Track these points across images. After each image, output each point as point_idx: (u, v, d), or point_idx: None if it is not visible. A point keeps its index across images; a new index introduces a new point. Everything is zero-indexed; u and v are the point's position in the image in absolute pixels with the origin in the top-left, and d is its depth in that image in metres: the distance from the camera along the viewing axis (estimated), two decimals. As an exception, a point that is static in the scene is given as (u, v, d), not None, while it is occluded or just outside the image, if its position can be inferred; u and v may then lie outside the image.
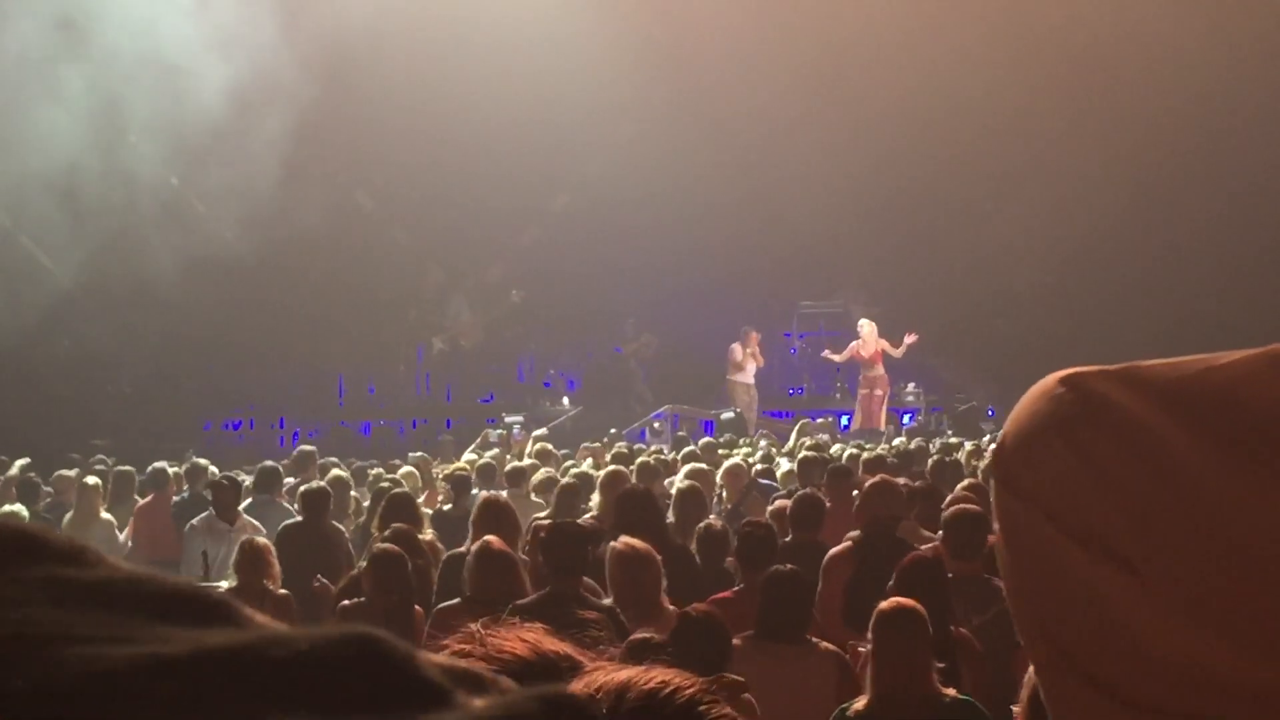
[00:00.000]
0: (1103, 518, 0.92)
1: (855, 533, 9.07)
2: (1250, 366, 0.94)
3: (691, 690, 2.01)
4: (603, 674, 2.07)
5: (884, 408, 25.13)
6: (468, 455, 18.04)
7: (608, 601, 7.22)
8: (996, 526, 1.01)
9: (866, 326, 25.44)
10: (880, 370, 25.10)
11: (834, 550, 8.83)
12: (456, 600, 7.65)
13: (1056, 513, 0.94)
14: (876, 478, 9.83)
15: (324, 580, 9.79)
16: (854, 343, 25.56)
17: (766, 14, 27.44)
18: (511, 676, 2.19)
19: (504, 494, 11.36)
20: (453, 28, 26.58)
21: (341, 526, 11.60)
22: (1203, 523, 0.90)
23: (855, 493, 10.40)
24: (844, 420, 26.35)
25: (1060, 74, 26.63)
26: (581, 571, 7.48)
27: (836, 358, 25.97)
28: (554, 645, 2.39)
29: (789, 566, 7.17)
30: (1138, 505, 0.91)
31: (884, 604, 5.89)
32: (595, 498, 11.69)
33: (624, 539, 7.60)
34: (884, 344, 25.19)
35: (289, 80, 25.32)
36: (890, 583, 7.01)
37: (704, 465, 14.46)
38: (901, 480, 11.42)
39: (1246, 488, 0.89)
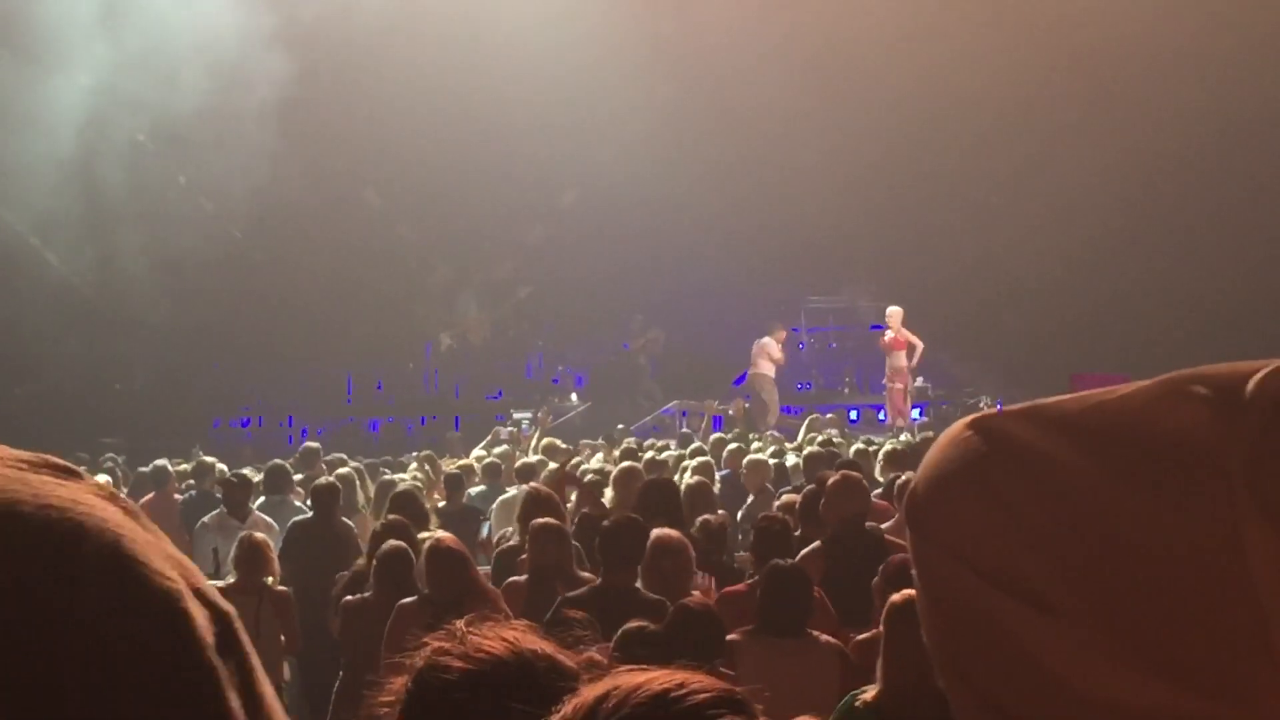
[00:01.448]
0: (1015, 558, 0.93)
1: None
2: (1148, 396, 0.95)
3: (705, 695, 2.01)
4: (625, 676, 2.08)
5: (906, 399, 24.53)
6: (477, 452, 18.04)
7: (656, 596, 7.22)
8: (913, 574, 1.02)
9: (892, 310, 24.72)
10: (902, 361, 24.42)
11: (804, 551, 8.83)
12: (414, 598, 7.65)
13: (970, 556, 0.95)
14: (838, 475, 9.81)
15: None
16: (885, 332, 24.82)
17: (773, 10, 27.40)
18: (488, 676, 2.21)
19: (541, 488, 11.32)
20: (461, 25, 26.57)
21: (351, 523, 11.61)
22: (1112, 555, 0.90)
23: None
24: (852, 415, 26.29)
25: (1068, 69, 26.58)
26: (637, 565, 7.48)
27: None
28: (534, 644, 2.41)
29: (789, 561, 7.19)
30: (1049, 543, 0.92)
31: (896, 596, 5.80)
32: (608, 492, 11.71)
33: (662, 529, 7.65)
34: (908, 335, 24.51)
35: (297, 78, 25.33)
36: (876, 579, 7.02)
37: (707, 459, 14.50)
38: (907, 475, 11.42)
39: (1152, 516, 0.90)
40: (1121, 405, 0.96)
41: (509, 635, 2.43)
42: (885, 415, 24.97)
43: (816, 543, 8.98)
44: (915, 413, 25.34)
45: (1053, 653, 0.90)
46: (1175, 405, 0.93)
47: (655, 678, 2.04)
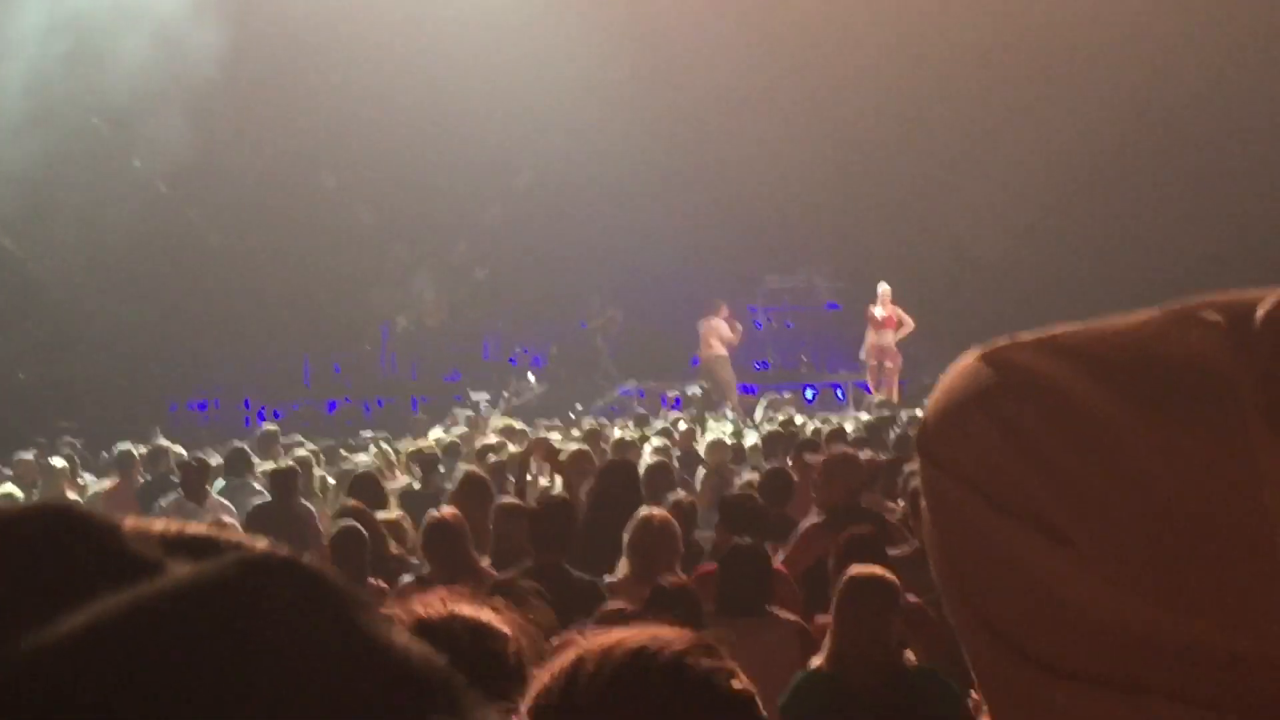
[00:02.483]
0: (1029, 488, 0.92)
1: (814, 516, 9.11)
2: (1159, 322, 0.95)
3: (680, 645, 2.05)
4: (591, 640, 2.10)
5: (896, 379, 24.01)
6: (434, 433, 18.02)
7: (587, 576, 7.31)
8: (923, 504, 1.01)
9: (884, 287, 24.20)
10: (890, 339, 23.93)
11: (810, 522, 8.87)
12: (414, 578, 7.69)
13: (982, 486, 0.94)
14: (837, 450, 9.85)
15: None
16: (871, 308, 24.27)
17: (727, -11, 27.40)
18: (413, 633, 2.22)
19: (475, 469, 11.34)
20: (415, 7, 26.48)
21: (311, 506, 11.59)
22: (1126, 483, 0.90)
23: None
24: (808, 394, 26.32)
25: (1022, 44, 26.67)
26: (565, 546, 7.53)
27: (867, 340, 24.29)
28: (465, 609, 2.44)
29: (746, 540, 7.23)
30: (1063, 473, 0.91)
31: (853, 569, 5.91)
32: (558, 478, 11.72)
33: (649, 509, 7.69)
34: (899, 311, 24.04)
35: (250, 60, 25.20)
36: (831, 560, 7.07)
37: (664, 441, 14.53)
38: (867, 453, 11.48)
39: (1167, 443, 0.90)
40: (1133, 332, 0.96)
41: (445, 601, 2.46)
42: (870, 389, 24.44)
43: (816, 520, 8.99)
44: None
45: (1064, 580, 0.90)
46: (1186, 331, 0.94)
47: (625, 637, 2.07)
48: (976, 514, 0.94)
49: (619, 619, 5.52)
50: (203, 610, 0.50)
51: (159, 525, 0.57)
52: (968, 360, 1.01)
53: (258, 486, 12.98)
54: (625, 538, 7.47)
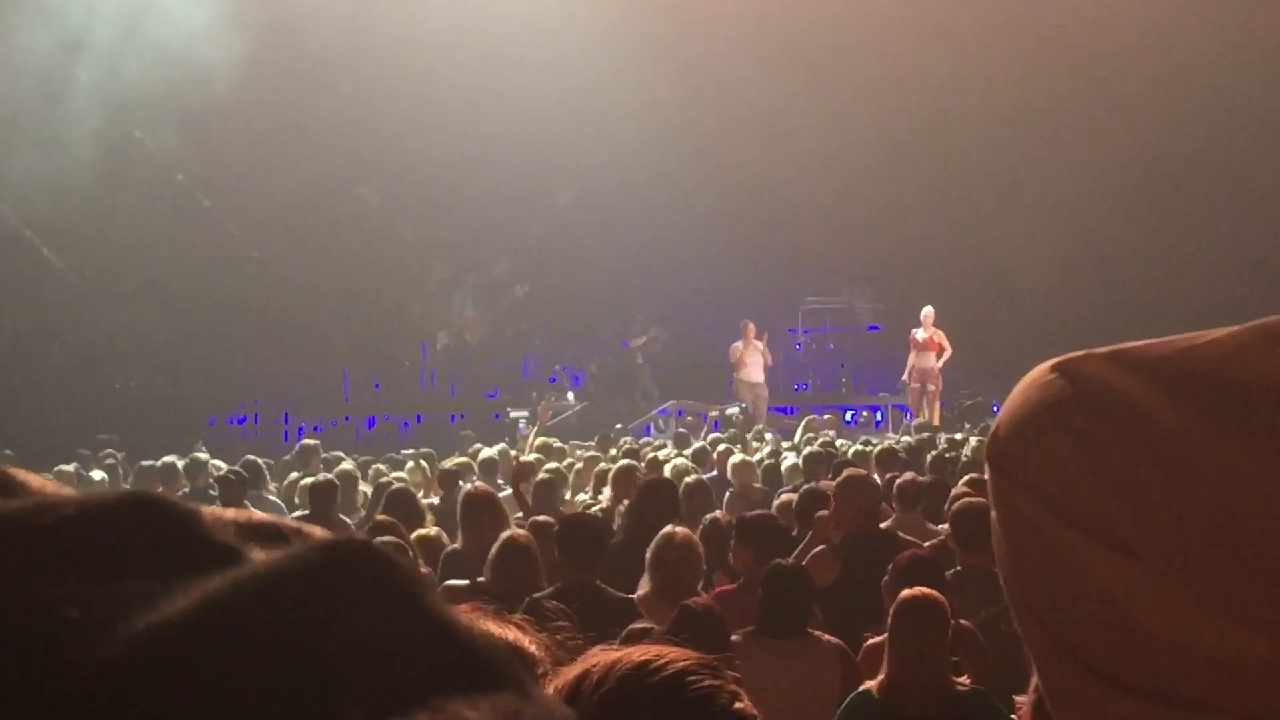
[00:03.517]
0: (1100, 502, 0.91)
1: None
2: (1238, 341, 0.94)
3: (683, 663, 2.06)
4: (602, 655, 2.12)
5: (937, 403, 23.95)
6: (486, 452, 17.92)
7: (621, 594, 7.27)
8: (993, 515, 1.00)
9: (927, 310, 24.09)
10: (932, 362, 23.86)
11: (814, 551, 8.84)
12: (466, 582, 7.64)
13: (1053, 499, 0.93)
14: (845, 474, 9.83)
15: None
16: (914, 331, 24.17)
17: (770, 10, 27.41)
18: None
19: (481, 485, 11.31)
20: (458, 24, 26.57)
21: (349, 520, 11.60)
22: (1201, 502, 0.88)
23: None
24: (848, 416, 26.28)
25: (1067, 72, 26.62)
26: (598, 565, 7.49)
27: (910, 363, 24.21)
28: (494, 629, 2.43)
29: (789, 561, 7.20)
30: (1135, 488, 0.90)
31: (905, 593, 5.90)
32: (606, 491, 11.71)
33: (673, 527, 7.66)
34: (941, 335, 23.99)
35: (293, 76, 25.33)
36: (886, 579, 7.05)
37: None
38: (909, 475, 11.46)
39: (1242, 463, 0.89)
40: (1209, 350, 0.94)
41: (471, 619, 2.45)
42: (910, 414, 24.50)
43: (828, 543, 8.98)
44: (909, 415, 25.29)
45: (1133, 597, 0.89)
46: (1266, 350, 0.92)
47: (633, 652, 2.09)
48: (1045, 527, 0.93)
49: (643, 638, 5.51)
50: (296, 594, 0.52)
51: (230, 514, 0.58)
52: (1040, 371, 0.99)
53: (273, 499, 13.05)
54: (648, 555, 7.46)
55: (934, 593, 5.94)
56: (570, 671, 2.08)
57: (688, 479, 11.66)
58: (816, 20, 27.24)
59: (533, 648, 2.42)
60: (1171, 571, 0.88)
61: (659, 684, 2.04)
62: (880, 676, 5.81)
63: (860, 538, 8.92)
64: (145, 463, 15.94)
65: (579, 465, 15.93)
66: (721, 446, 16.75)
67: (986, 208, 27.55)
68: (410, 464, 16.40)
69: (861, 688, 5.86)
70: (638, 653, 2.09)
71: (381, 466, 16.77)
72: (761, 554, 7.97)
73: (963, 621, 6.60)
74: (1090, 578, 0.91)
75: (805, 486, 10.82)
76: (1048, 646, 0.95)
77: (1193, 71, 25.40)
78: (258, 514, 0.60)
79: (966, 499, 8.78)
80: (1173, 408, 0.92)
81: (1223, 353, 0.94)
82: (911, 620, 5.76)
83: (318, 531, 0.57)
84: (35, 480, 0.58)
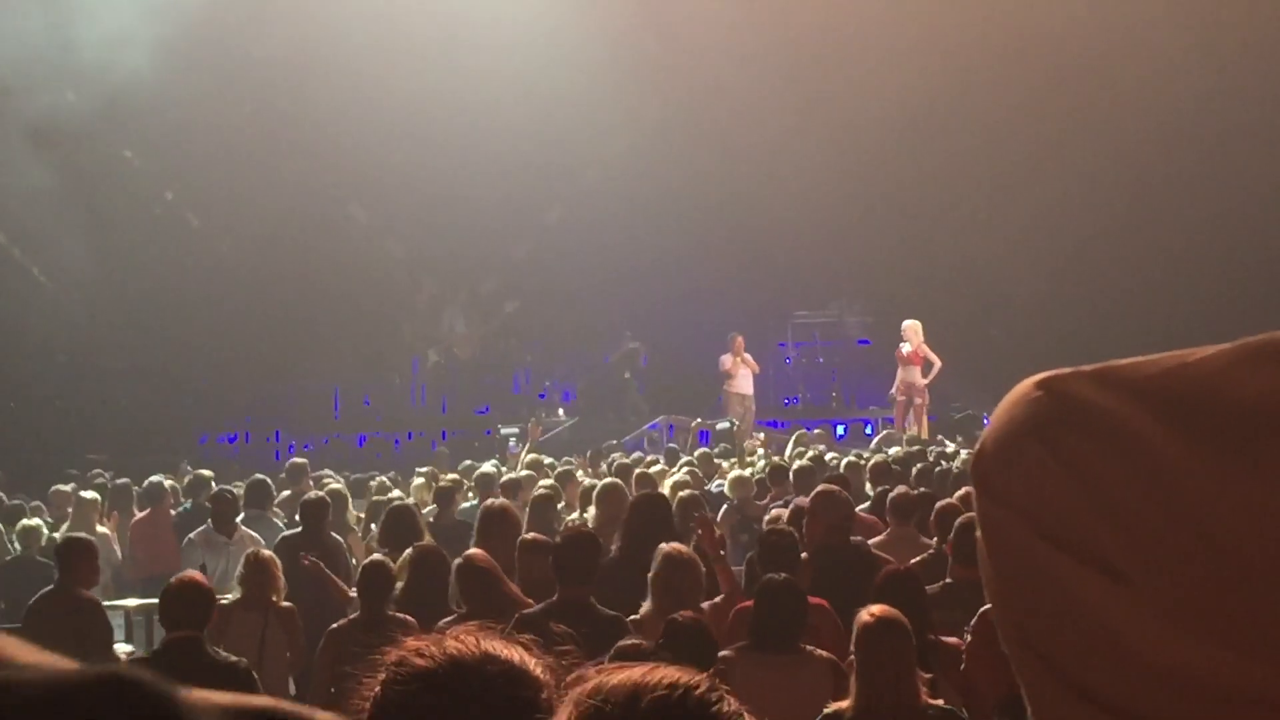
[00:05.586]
0: (1086, 523, 0.91)
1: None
2: (1225, 360, 0.93)
3: (701, 690, 2.08)
4: (605, 675, 2.13)
5: (925, 415, 23.82)
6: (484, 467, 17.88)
7: (612, 612, 7.27)
8: (978, 535, 0.99)
9: (908, 323, 23.97)
10: (917, 376, 23.72)
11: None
12: (453, 615, 7.63)
13: (1038, 519, 0.92)
14: (818, 489, 9.85)
15: (313, 559, 9.79)
16: (901, 345, 23.98)
17: (757, 25, 27.41)
18: (438, 675, 2.24)
19: (501, 500, 11.34)
20: (446, 42, 26.58)
21: (340, 538, 11.57)
22: (1188, 523, 0.88)
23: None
24: (839, 429, 26.24)
25: (1054, 79, 26.64)
26: (591, 580, 7.47)
27: (898, 377, 24.09)
28: (499, 649, 2.44)
29: (781, 576, 7.19)
30: (1121, 509, 0.90)
31: (866, 614, 5.87)
32: (591, 509, 11.68)
33: (672, 544, 7.65)
34: (927, 350, 23.85)
35: (282, 93, 25.32)
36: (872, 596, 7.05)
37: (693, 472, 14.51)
38: (901, 488, 11.47)
39: (1230, 483, 0.88)
40: (1198, 368, 0.94)
41: (478, 639, 2.47)
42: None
43: (801, 555, 9.01)
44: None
45: (1122, 619, 0.88)
46: (1255, 370, 0.92)
47: (633, 671, 2.11)
48: (1031, 549, 0.93)
49: (634, 655, 5.50)
50: None
51: (217, 697, 0.53)
52: (1025, 388, 0.98)
53: (276, 521, 13.02)
54: (650, 575, 7.45)
55: (895, 612, 5.91)
56: (580, 690, 2.09)
57: (681, 494, 11.65)
58: (803, 36, 27.26)
59: (538, 670, 2.42)
60: (1162, 596, 0.88)
61: (652, 703, 2.05)
62: (850, 698, 5.80)
63: (830, 549, 8.97)
64: (131, 485, 15.89)
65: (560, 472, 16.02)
66: (715, 461, 16.74)
67: (976, 218, 27.54)
68: (418, 480, 16.40)
69: (830, 708, 5.84)
70: (637, 671, 2.10)
71: (385, 480, 16.79)
72: (768, 568, 7.94)
73: (945, 638, 6.59)
74: (1077, 601, 0.90)
75: (794, 500, 10.86)
76: (1034, 668, 0.94)
77: (1182, 82, 25.42)
78: (255, 699, 0.56)
79: (963, 512, 8.81)
80: (1160, 428, 0.91)
81: (1210, 372, 0.93)
82: (876, 641, 5.74)
83: (321, 714, 0.52)
84: (26, 652, 0.54)
